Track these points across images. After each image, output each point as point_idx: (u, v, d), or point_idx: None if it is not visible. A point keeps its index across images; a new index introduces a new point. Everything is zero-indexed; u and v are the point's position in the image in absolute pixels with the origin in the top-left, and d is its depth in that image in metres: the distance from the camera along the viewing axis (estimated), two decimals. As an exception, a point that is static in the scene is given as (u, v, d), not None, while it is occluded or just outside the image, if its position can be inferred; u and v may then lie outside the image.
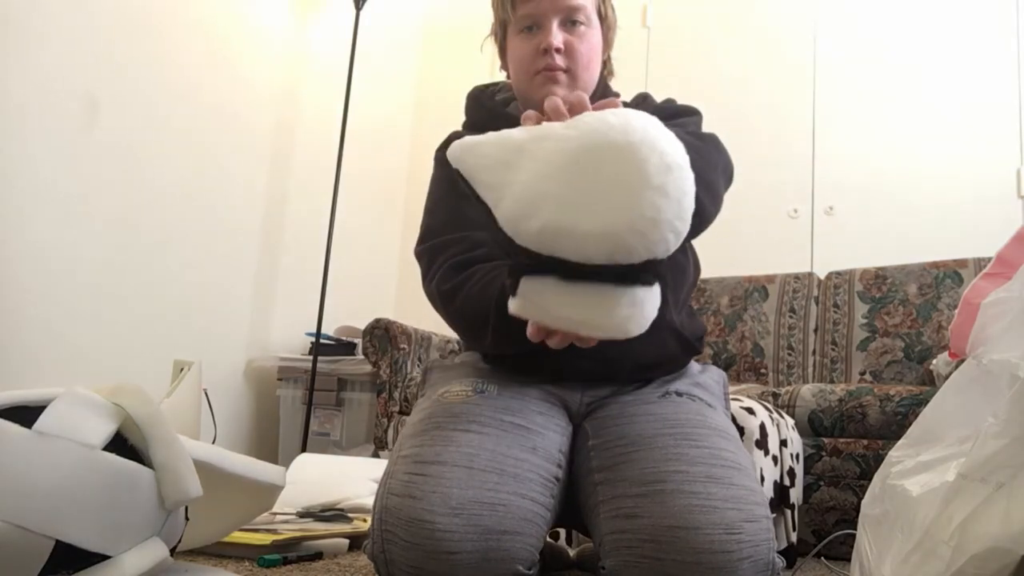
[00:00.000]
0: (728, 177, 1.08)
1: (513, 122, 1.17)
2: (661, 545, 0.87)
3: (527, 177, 0.78)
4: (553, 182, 0.76)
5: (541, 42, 1.12)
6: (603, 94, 1.20)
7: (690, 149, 0.96)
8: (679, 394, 1.10)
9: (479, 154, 0.82)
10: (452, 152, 0.83)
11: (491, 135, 0.83)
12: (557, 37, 1.11)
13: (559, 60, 1.12)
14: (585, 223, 0.74)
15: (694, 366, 1.21)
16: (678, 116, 1.14)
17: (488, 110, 1.23)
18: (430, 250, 1.14)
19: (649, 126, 0.77)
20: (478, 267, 1.07)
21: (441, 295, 1.10)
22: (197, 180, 2.67)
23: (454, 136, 1.21)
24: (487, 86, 1.28)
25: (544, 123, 0.82)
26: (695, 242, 1.19)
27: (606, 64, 1.23)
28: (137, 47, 2.47)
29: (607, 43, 1.20)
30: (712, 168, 1.02)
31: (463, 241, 1.10)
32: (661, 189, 0.74)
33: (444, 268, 1.10)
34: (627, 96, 1.25)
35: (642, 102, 1.20)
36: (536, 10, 1.12)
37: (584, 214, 0.74)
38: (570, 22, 1.13)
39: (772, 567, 0.90)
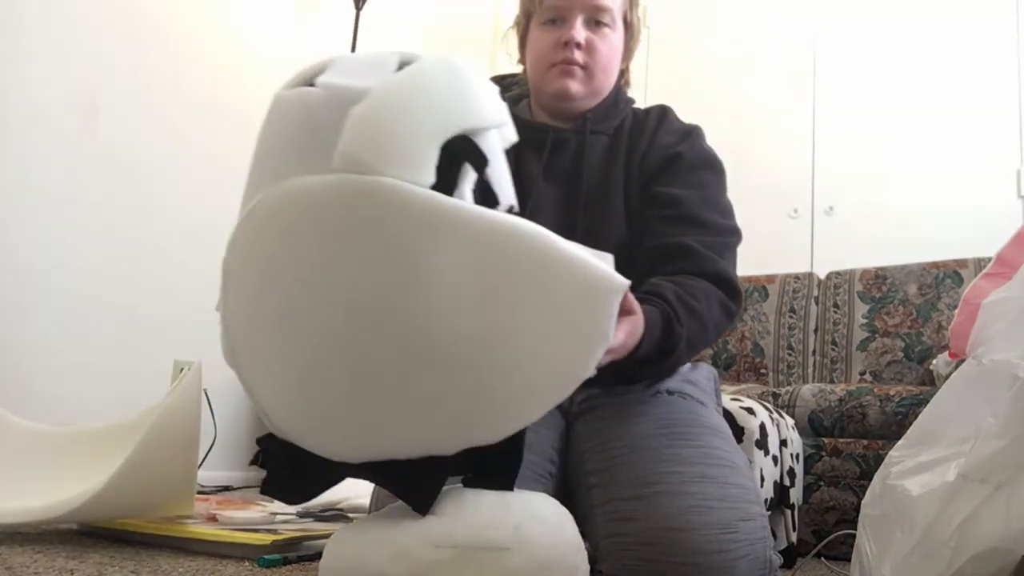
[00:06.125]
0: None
1: (518, 127, 1.16)
2: (657, 548, 0.87)
3: None
4: None
5: (563, 35, 1.11)
6: (616, 101, 1.19)
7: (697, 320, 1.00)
8: (670, 392, 1.09)
9: None
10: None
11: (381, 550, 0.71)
12: (580, 32, 1.11)
13: (578, 55, 1.12)
14: None
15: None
16: (699, 169, 1.13)
17: None
18: None
19: None
20: None
21: None
22: (197, 180, 2.67)
23: None
24: (504, 77, 1.27)
25: None
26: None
27: (623, 74, 1.23)
28: (137, 47, 2.47)
29: (628, 52, 1.20)
30: (720, 320, 1.07)
31: None
32: None
33: None
34: (642, 103, 1.24)
35: (661, 115, 1.19)
36: (563, 3, 1.12)
37: None
38: (595, 21, 1.12)
39: (769, 564, 0.90)
